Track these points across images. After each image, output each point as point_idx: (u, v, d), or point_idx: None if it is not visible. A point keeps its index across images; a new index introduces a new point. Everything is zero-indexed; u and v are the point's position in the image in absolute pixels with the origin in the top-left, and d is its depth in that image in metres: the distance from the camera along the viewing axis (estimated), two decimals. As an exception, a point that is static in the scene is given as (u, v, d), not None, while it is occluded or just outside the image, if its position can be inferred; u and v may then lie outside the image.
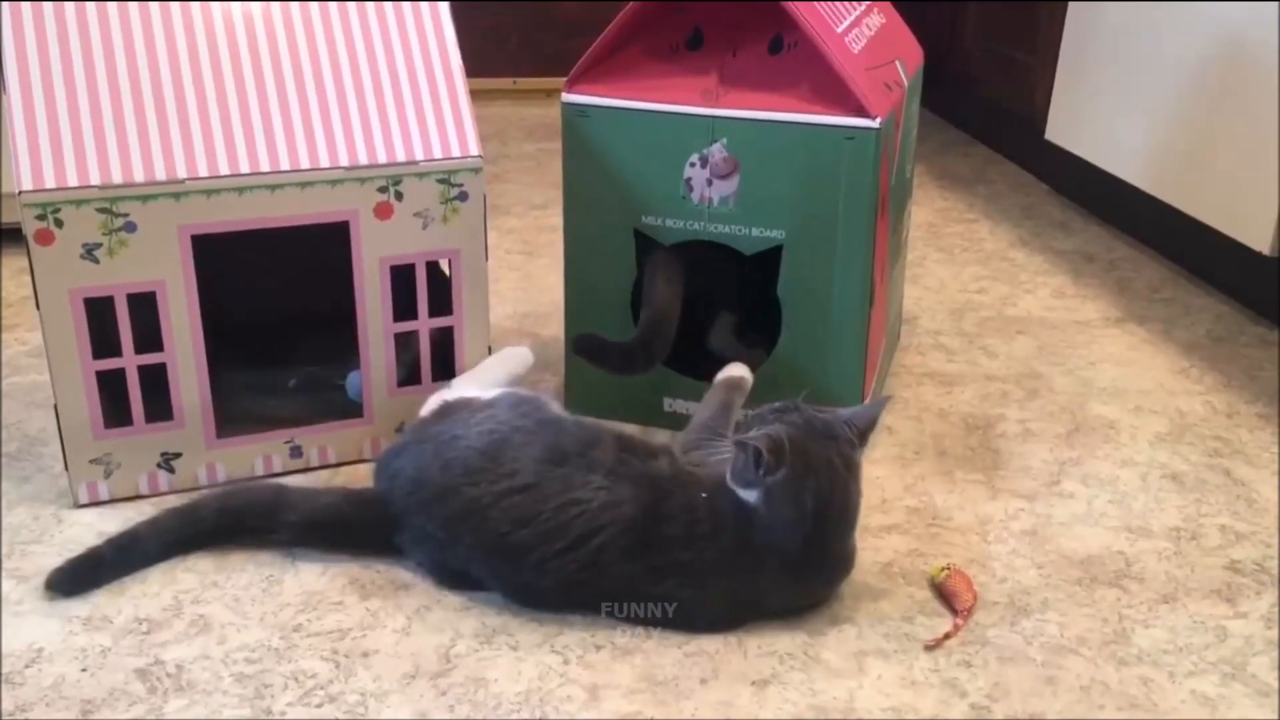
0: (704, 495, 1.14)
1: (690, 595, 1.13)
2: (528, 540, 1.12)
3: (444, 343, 1.39)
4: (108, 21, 1.26)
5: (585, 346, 1.38)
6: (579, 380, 1.51)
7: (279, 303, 1.52)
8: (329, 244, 1.31)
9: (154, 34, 1.27)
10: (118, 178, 1.21)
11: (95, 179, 1.20)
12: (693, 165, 1.36)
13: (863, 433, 1.17)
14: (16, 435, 1.45)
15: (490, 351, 1.43)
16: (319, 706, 1.04)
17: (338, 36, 1.33)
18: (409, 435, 1.25)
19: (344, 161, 1.28)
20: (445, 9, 1.37)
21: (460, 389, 1.31)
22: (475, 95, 1.34)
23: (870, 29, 1.44)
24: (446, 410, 1.26)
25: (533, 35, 3.06)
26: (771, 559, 1.13)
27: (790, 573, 1.14)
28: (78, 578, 1.20)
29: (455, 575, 1.19)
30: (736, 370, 1.37)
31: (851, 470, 1.15)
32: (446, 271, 1.38)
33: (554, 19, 3.04)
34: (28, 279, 1.84)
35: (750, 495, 1.13)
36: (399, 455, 1.22)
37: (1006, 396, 1.61)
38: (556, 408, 1.27)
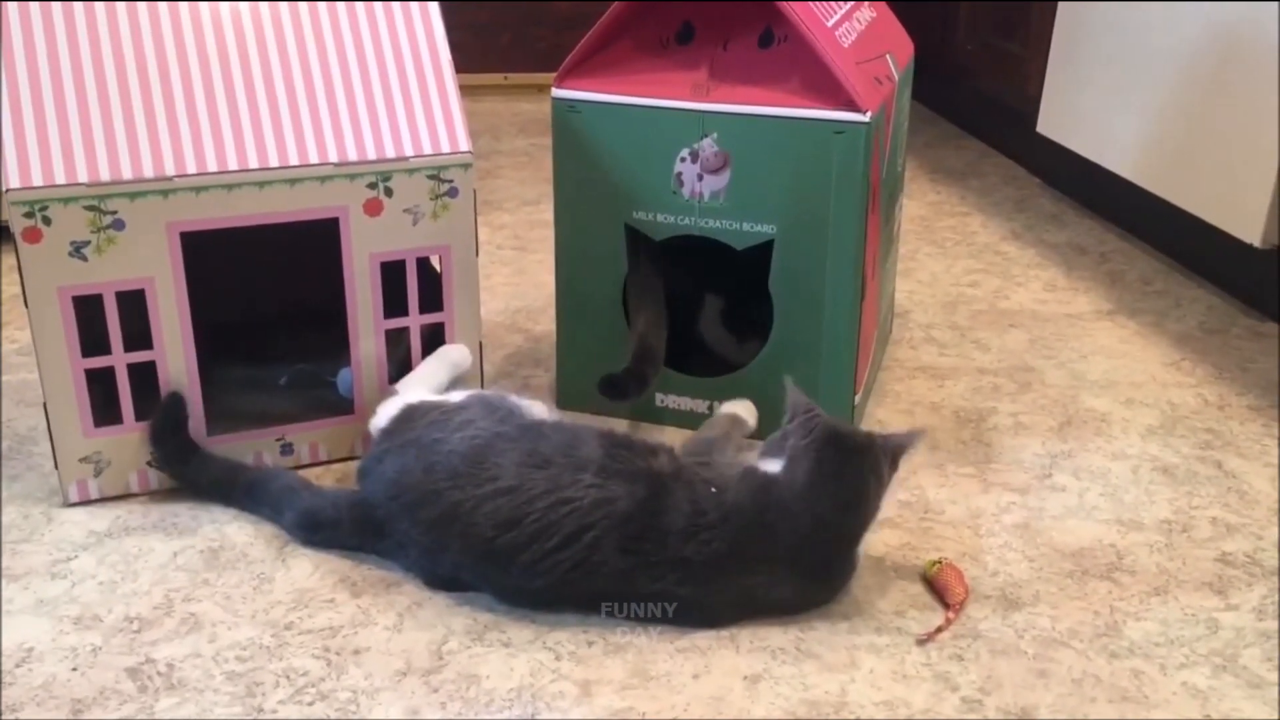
0: (713, 490, 1.13)
1: (689, 592, 1.12)
2: (516, 542, 1.12)
3: (435, 339, 1.39)
4: (95, 19, 1.25)
5: (610, 388, 1.38)
6: (571, 377, 1.51)
7: (269, 300, 1.52)
8: (319, 241, 1.31)
9: (142, 31, 1.26)
10: (105, 175, 1.20)
11: (83, 176, 1.20)
12: (683, 160, 1.36)
13: (894, 454, 1.18)
14: (7, 434, 1.45)
15: (482, 348, 1.43)
16: (310, 704, 1.04)
17: (326, 33, 1.32)
18: (388, 440, 1.24)
19: (333, 158, 1.27)
20: (434, 6, 1.37)
21: (412, 394, 1.30)
22: (467, 91, 1.34)
23: (860, 23, 1.44)
24: (413, 414, 1.25)
25: (525, 30, 3.06)
26: (780, 550, 1.13)
27: (796, 567, 1.14)
28: (167, 421, 1.29)
29: (444, 581, 1.18)
30: (741, 409, 1.37)
31: (877, 475, 1.16)
32: (437, 267, 1.38)
33: (546, 14, 3.03)
34: (13, 277, 1.84)
35: (775, 465, 1.14)
36: (380, 460, 1.21)
37: (998, 390, 1.61)
38: (528, 408, 1.26)
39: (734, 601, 1.14)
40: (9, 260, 1.89)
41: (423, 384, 1.33)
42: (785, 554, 1.13)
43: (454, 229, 1.34)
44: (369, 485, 1.22)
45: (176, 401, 1.29)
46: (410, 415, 1.25)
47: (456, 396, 1.28)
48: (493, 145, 2.65)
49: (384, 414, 1.27)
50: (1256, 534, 1.31)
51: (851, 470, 1.14)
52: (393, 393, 1.32)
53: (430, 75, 1.34)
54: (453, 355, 1.38)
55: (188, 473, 1.31)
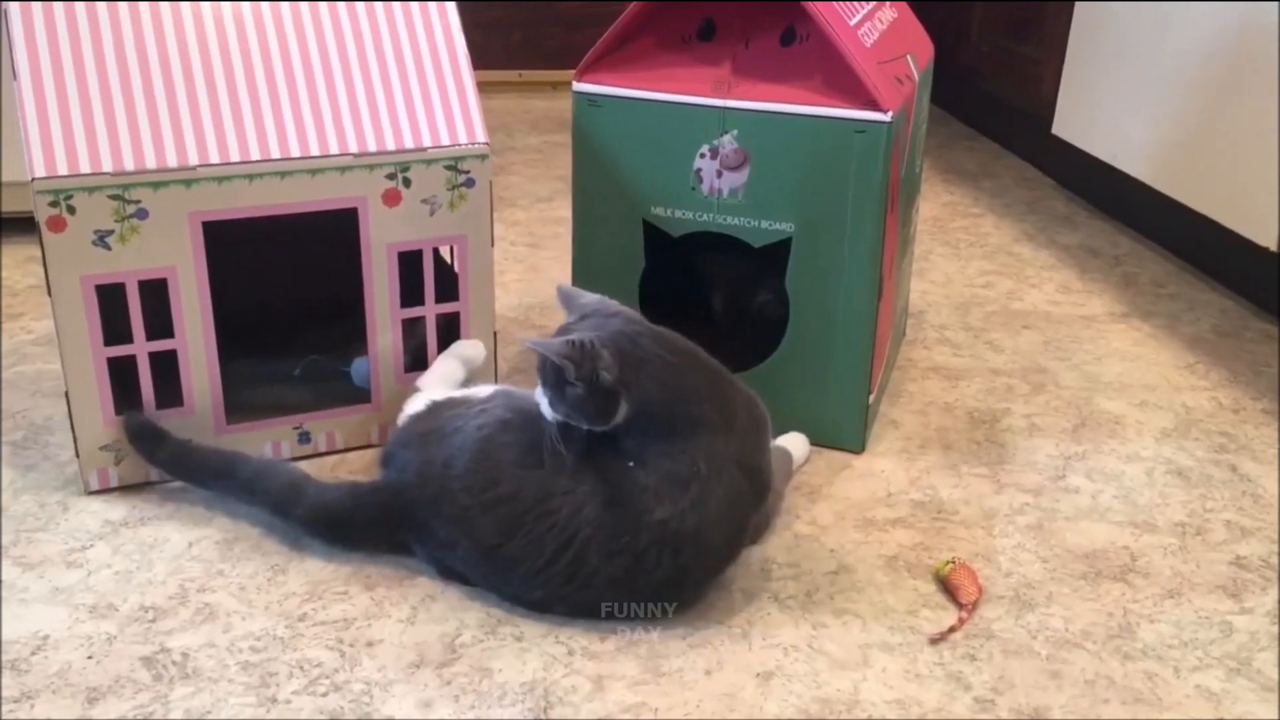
0: (630, 464, 1.12)
1: (687, 560, 1.12)
2: (514, 553, 1.12)
3: (449, 329, 1.40)
4: (119, 11, 1.26)
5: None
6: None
7: (281, 292, 1.52)
8: (329, 233, 1.31)
9: (165, 24, 1.27)
10: (130, 164, 1.21)
11: (107, 166, 1.20)
12: (703, 156, 1.36)
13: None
14: (22, 424, 1.45)
15: (496, 339, 1.43)
16: (324, 695, 1.05)
17: (346, 28, 1.33)
18: (412, 428, 1.24)
19: (353, 148, 1.28)
20: (452, 5, 1.38)
21: (434, 391, 1.30)
22: (479, 88, 1.34)
23: (882, 23, 1.44)
24: (439, 408, 1.25)
25: (537, 28, 3.06)
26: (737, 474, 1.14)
27: (751, 476, 1.16)
28: (141, 435, 1.29)
29: (454, 575, 1.19)
30: None
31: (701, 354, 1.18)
32: (448, 259, 1.38)
33: (557, 12, 3.04)
34: (31, 267, 1.84)
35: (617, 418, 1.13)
36: (405, 446, 1.21)
37: (1012, 391, 1.61)
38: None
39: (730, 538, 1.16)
40: (25, 251, 1.89)
41: (442, 380, 1.34)
42: (741, 473, 1.15)
43: (470, 220, 1.35)
44: (392, 471, 1.22)
45: (138, 421, 1.29)
46: (437, 409, 1.25)
47: (483, 391, 1.27)
48: (506, 142, 2.65)
49: (410, 410, 1.27)
50: (1271, 537, 1.30)
51: (709, 380, 1.15)
52: (415, 390, 1.32)
53: (448, 69, 1.34)
54: (466, 350, 1.39)
55: (195, 474, 1.30)
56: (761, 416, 1.19)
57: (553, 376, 1.11)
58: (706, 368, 1.17)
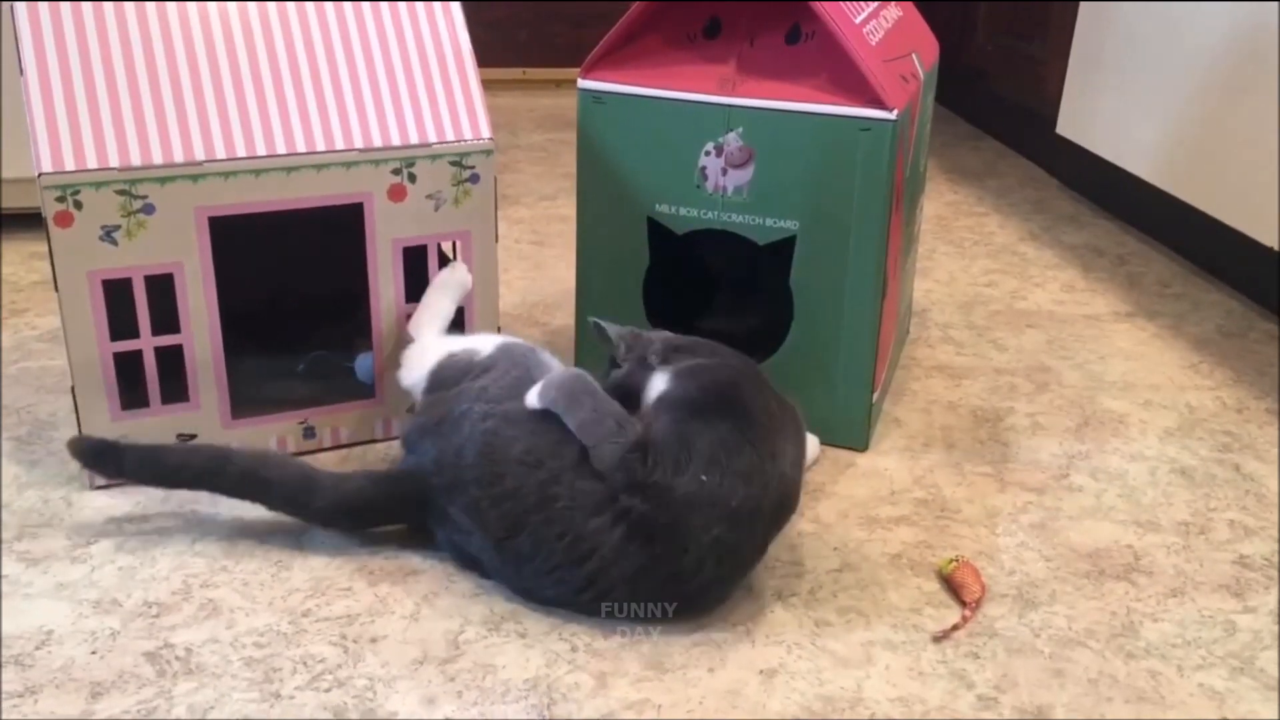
0: (703, 479, 1.10)
1: (726, 572, 1.13)
2: (522, 548, 1.12)
3: (453, 325, 1.39)
4: (125, 6, 1.26)
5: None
6: (589, 369, 1.51)
7: (286, 287, 1.52)
8: (335, 227, 1.32)
9: (170, 18, 1.27)
10: (136, 160, 1.21)
11: (114, 161, 1.20)
12: (708, 154, 1.36)
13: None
14: (27, 419, 1.45)
15: (500, 333, 1.43)
16: (327, 691, 1.05)
17: (351, 24, 1.33)
18: (427, 414, 1.22)
19: (358, 144, 1.28)
20: (456, 5, 1.38)
21: (431, 342, 1.30)
22: (485, 86, 1.35)
23: (888, 21, 1.44)
24: (443, 381, 1.24)
25: (542, 26, 3.06)
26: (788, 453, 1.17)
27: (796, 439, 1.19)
28: (98, 454, 1.22)
29: (472, 561, 1.19)
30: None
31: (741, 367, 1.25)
32: (450, 256, 1.38)
33: (564, 10, 3.04)
34: (35, 263, 1.84)
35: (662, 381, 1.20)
36: (422, 435, 1.20)
37: (1016, 390, 1.61)
38: (549, 366, 1.25)
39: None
40: (30, 247, 1.89)
41: (435, 320, 1.33)
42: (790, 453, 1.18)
43: (475, 215, 1.35)
44: (413, 459, 1.21)
45: (86, 442, 1.23)
46: (441, 382, 1.24)
47: (485, 348, 1.25)
48: (510, 140, 2.65)
49: (410, 371, 1.28)
50: (1274, 537, 1.30)
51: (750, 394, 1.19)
52: (409, 339, 1.32)
53: (452, 65, 1.35)
54: (452, 279, 1.36)
55: (173, 477, 1.23)
56: (800, 430, 1.20)
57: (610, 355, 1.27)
58: (754, 380, 1.20)
